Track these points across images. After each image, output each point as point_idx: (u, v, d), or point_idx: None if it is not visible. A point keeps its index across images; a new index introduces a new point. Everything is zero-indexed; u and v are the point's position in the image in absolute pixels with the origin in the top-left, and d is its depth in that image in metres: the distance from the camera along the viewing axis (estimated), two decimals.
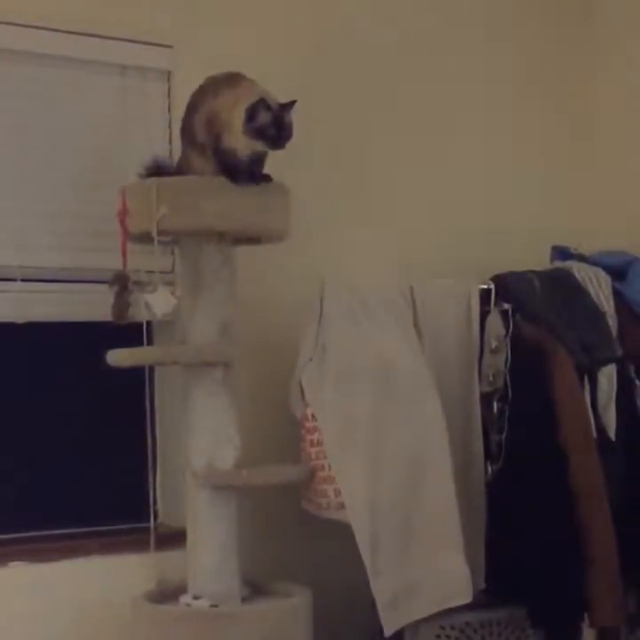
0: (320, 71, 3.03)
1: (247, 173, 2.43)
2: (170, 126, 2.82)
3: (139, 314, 2.49)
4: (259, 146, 2.40)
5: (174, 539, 2.66)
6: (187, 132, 2.50)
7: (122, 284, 2.49)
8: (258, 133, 2.36)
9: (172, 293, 2.49)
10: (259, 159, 2.45)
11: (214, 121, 2.42)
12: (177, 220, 2.42)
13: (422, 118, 3.21)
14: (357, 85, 3.10)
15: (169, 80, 2.86)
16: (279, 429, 2.79)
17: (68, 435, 2.82)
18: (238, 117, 2.37)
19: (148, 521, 2.72)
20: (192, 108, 2.49)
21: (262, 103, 2.36)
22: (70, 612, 2.65)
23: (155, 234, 2.41)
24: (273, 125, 2.36)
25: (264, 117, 2.36)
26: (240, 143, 2.40)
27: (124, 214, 2.47)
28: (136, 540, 2.72)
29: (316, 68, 3.02)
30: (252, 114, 2.36)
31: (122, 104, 2.80)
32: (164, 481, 2.84)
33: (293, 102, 2.39)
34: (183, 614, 2.47)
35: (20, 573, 2.63)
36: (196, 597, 2.48)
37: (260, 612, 2.49)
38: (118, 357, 2.48)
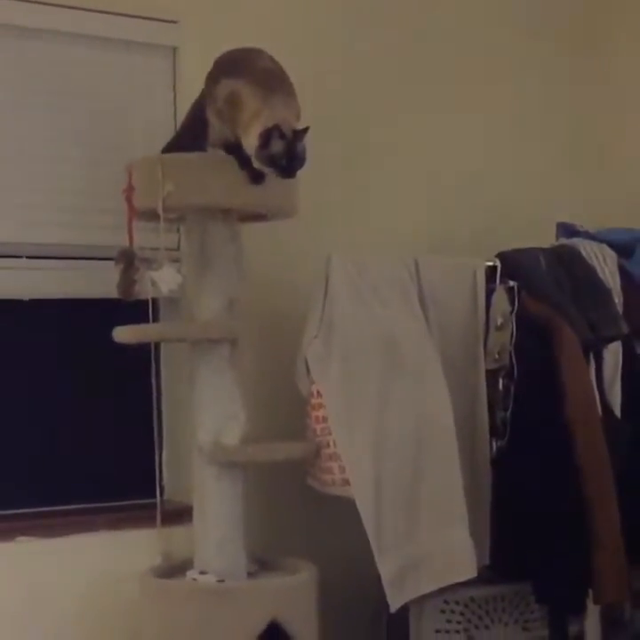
0: (326, 45, 3.01)
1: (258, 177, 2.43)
2: (175, 102, 2.81)
3: (145, 291, 2.49)
4: (269, 172, 2.38)
5: (181, 514, 2.67)
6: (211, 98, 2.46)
7: (128, 261, 2.49)
8: (269, 161, 2.34)
9: (178, 270, 2.49)
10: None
11: (235, 106, 2.39)
12: (183, 196, 2.41)
13: (427, 94, 3.20)
14: (362, 62, 3.09)
15: (174, 56, 2.84)
16: (285, 406, 2.79)
17: (75, 411, 2.83)
18: (253, 136, 2.35)
19: (155, 497, 2.73)
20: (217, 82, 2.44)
21: (277, 131, 2.32)
22: (77, 587, 2.66)
23: (160, 210, 2.41)
24: (285, 155, 2.33)
25: (277, 146, 2.32)
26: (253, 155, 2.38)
27: (130, 191, 2.47)
28: (143, 516, 2.72)
29: (322, 41, 3.01)
30: (265, 140, 2.33)
31: (127, 80, 2.79)
32: (171, 457, 2.84)
33: (307, 129, 2.36)
34: (190, 589, 2.48)
35: (28, 548, 2.64)
36: (202, 573, 2.49)
37: (265, 588, 2.50)
38: (124, 334, 2.48)
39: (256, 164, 2.38)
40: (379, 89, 3.12)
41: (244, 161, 2.41)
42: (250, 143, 2.37)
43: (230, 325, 2.54)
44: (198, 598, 2.44)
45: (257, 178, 2.41)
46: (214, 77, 2.46)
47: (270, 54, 2.45)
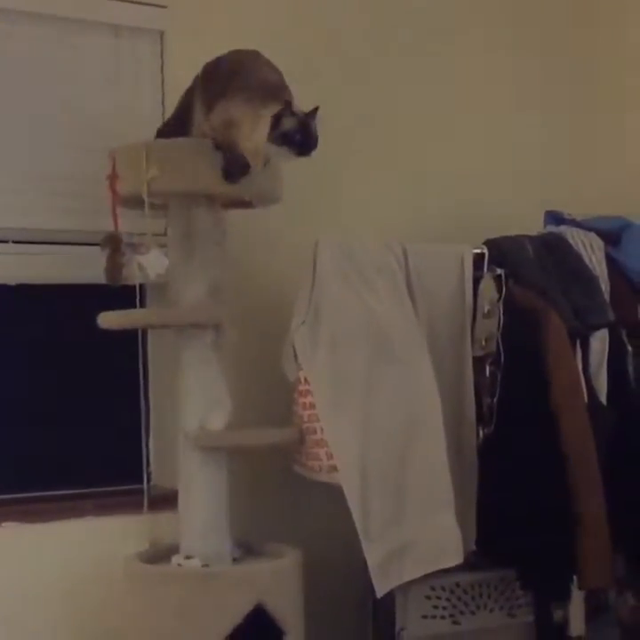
0: (316, 30, 3.00)
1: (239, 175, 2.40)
2: (162, 87, 2.80)
3: (132, 275, 2.48)
4: (283, 153, 2.35)
5: (167, 500, 2.67)
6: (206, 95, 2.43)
7: (114, 246, 2.48)
8: (284, 139, 2.32)
9: (165, 255, 2.49)
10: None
11: (231, 127, 2.37)
12: (166, 182, 2.41)
13: (418, 83, 3.19)
14: (354, 49, 3.08)
15: (162, 41, 2.83)
16: (272, 392, 2.79)
17: (63, 397, 2.83)
18: (261, 131, 2.32)
19: (142, 482, 2.73)
20: (220, 90, 2.39)
21: (287, 109, 2.31)
22: (64, 572, 2.66)
23: (145, 195, 2.40)
24: (298, 132, 2.32)
25: (289, 123, 2.31)
26: (252, 148, 2.35)
27: (113, 177, 2.47)
28: (130, 502, 2.73)
29: (313, 26, 3.00)
30: (277, 120, 2.31)
31: (114, 65, 2.78)
32: (158, 443, 2.84)
33: (316, 109, 2.34)
34: (174, 574, 2.49)
35: (14, 534, 2.64)
36: (187, 557, 2.50)
37: (250, 572, 2.51)
38: (108, 319, 2.48)
39: (271, 150, 2.34)
40: (369, 77, 3.11)
41: (232, 158, 2.38)
42: (255, 141, 2.33)
43: (214, 311, 2.54)
44: (183, 583, 2.44)
45: (232, 175, 2.38)
46: (207, 98, 2.41)
47: (265, 57, 2.41)
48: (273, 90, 2.37)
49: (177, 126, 2.51)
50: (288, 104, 2.32)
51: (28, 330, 2.80)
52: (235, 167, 2.39)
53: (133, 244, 2.47)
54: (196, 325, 2.51)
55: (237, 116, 2.36)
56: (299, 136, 2.32)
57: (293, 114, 2.32)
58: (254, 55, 2.42)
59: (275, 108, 2.32)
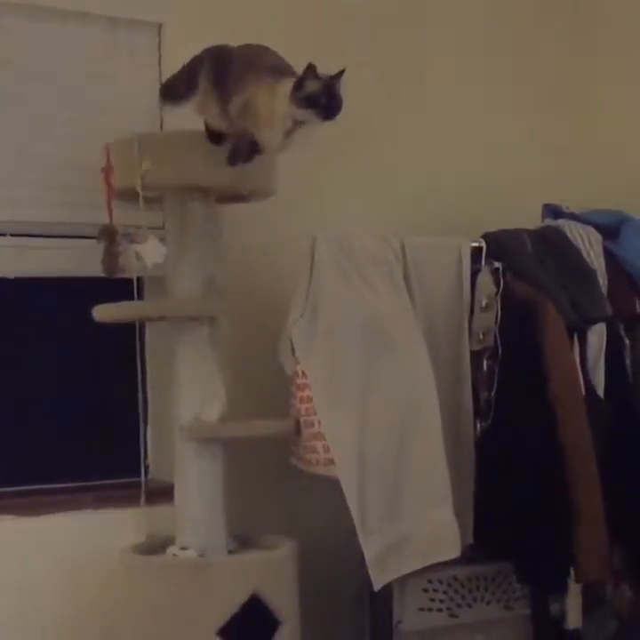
0: (316, 24, 3.00)
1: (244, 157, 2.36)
2: (160, 80, 2.79)
3: (129, 266, 2.48)
4: (308, 116, 2.27)
5: (165, 493, 2.66)
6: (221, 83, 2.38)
7: (110, 238, 2.48)
8: (307, 102, 2.24)
9: (162, 243, 2.49)
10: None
11: (249, 107, 2.31)
12: (160, 175, 2.41)
13: (414, 72, 3.19)
14: (354, 44, 3.07)
15: (160, 33, 2.83)
16: (269, 385, 2.79)
17: (61, 390, 2.83)
18: (281, 102, 2.25)
19: (140, 476, 2.73)
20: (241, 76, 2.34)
21: (311, 72, 2.23)
22: (61, 565, 2.67)
23: (139, 188, 2.40)
24: (323, 94, 2.24)
25: (313, 85, 2.23)
26: (271, 137, 2.29)
27: (108, 170, 2.47)
28: (127, 495, 2.73)
29: (313, 20, 2.99)
30: (300, 82, 2.24)
31: (111, 57, 2.77)
32: (156, 436, 2.85)
33: (342, 72, 2.26)
34: (170, 564, 2.49)
35: (11, 527, 2.64)
36: (183, 548, 2.50)
37: (246, 562, 2.51)
38: (104, 313, 2.48)
39: (295, 114, 2.26)
40: (366, 70, 3.10)
41: (243, 141, 2.33)
42: (273, 108, 2.26)
43: (208, 303, 2.54)
44: (178, 573, 2.45)
45: (236, 156, 2.35)
46: (223, 93, 2.36)
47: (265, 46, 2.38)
48: (287, 70, 2.33)
49: (183, 88, 2.45)
50: (312, 67, 2.23)
51: (27, 324, 2.80)
52: (240, 150, 2.34)
53: (130, 234, 2.47)
54: (192, 318, 2.51)
55: (253, 92, 2.30)
56: (323, 99, 2.24)
57: (317, 77, 2.24)
58: (264, 48, 2.39)
59: (291, 81, 2.25)
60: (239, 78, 2.35)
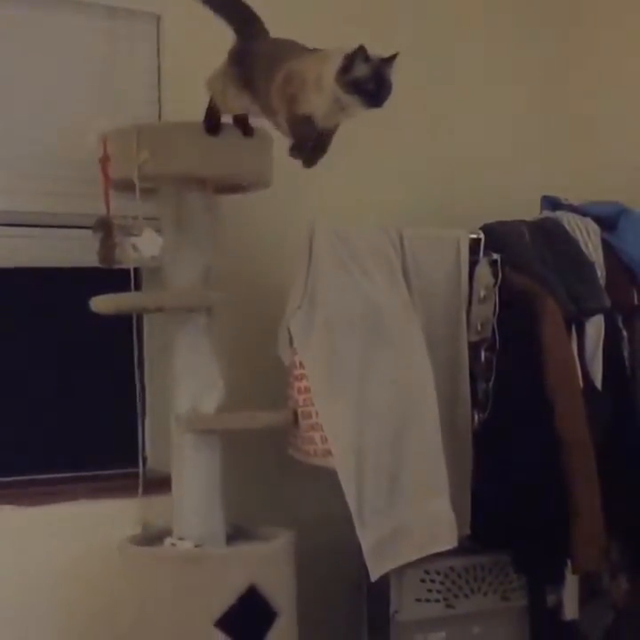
0: (316, 17, 2.98)
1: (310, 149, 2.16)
2: (158, 71, 2.79)
3: (126, 257, 2.48)
4: (352, 102, 2.09)
5: (163, 484, 2.66)
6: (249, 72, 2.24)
7: (106, 229, 2.48)
8: (354, 87, 2.05)
9: (159, 234, 2.48)
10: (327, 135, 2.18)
11: (293, 80, 2.13)
12: (157, 165, 2.40)
13: (413, 65, 3.17)
14: (355, 36, 3.05)
15: (158, 24, 2.82)
16: (267, 376, 2.80)
17: (58, 381, 2.83)
18: (328, 71, 2.05)
19: (137, 466, 2.73)
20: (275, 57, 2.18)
21: (361, 54, 2.04)
22: (58, 556, 2.67)
23: (136, 178, 2.40)
24: (372, 80, 2.05)
25: (361, 69, 2.05)
26: (319, 102, 2.09)
27: (105, 160, 2.46)
28: (125, 486, 2.73)
29: (313, 12, 2.98)
30: (348, 64, 2.04)
31: (109, 47, 2.76)
32: (153, 427, 2.85)
33: (395, 56, 2.07)
34: (167, 555, 2.49)
35: (8, 517, 2.65)
36: (180, 539, 2.50)
37: (243, 553, 2.51)
38: (102, 304, 2.48)
39: (341, 97, 2.07)
40: None
41: (298, 124, 2.13)
42: (323, 84, 2.06)
43: (205, 294, 2.54)
44: (176, 564, 2.45)
45: (300, 150, 2.16)
46: (267, 73, 2.19)
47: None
48: (328, 50, 2.13)
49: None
50: (362, 49, 2.03)
51: (24, 314, 2.79)
52: (303, 137, 2.13)
53: (126, 226, 2.47)
54: (189, 309, 2.51)
55: (295, 62, 2.13)
56: (371, 85, 2.06)
57: (367, 59, 2.04)
58: (293, 42, 2.25)
59: (340, 58, 2.05)
60: (271, 55, 2.21)
